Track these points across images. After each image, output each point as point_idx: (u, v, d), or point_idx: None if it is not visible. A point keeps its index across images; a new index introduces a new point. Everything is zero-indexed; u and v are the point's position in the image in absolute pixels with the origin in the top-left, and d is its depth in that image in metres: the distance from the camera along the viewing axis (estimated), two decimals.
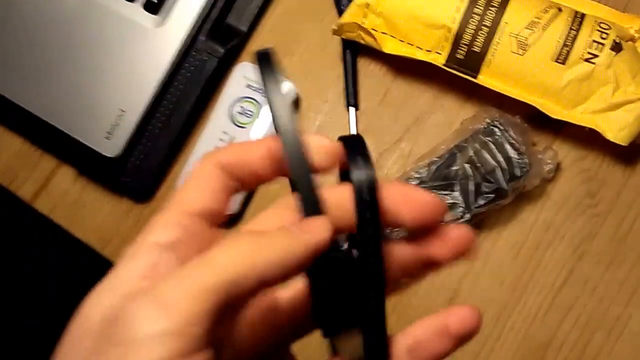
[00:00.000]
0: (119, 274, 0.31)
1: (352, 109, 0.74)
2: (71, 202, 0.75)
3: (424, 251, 0.34)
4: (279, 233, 0.31)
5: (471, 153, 0.66)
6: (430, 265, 0.34)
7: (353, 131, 0.73)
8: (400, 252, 0.34)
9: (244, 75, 0.73)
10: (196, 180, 0.34)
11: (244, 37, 0.76)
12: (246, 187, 0.35)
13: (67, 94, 0.71)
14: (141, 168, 0.72)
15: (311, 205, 0.32)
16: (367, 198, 0.31)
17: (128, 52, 0.71)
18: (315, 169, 0.32)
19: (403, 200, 0.33)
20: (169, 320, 0.27)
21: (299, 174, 0.32)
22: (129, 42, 0.71)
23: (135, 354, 0.27)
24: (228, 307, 0.29)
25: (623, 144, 0.66)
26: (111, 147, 0.69)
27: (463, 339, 0.33)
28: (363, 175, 0.31)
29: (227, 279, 0.28)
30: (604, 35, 0.65)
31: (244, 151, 0.34)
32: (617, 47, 0.65)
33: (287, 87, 0.72)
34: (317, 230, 0.31)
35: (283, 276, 0.30)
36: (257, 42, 0.76)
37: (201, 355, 0.28)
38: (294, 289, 0.37)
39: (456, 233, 0.34)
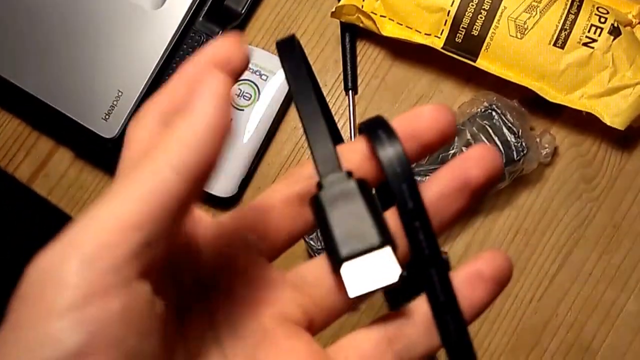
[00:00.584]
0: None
1: (350, 93, 0.74)
2: (69, 184, 0.75)
3: (458, 176, 0.31)
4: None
5: (469, 136, 0.67)
6: (467, 193, 0.31)
7: (352, 115, 0.73)
8: (436, 184, 0.31)
9: None
10: None
11: (243, 20, 0.75)
12: None
13: (65, 74, 0.70)
14: None
15: (328, 158, 0.31)
16: (399, 169, 0.29)
17: (126, 33, 0.71)
18: None
19: (414, 122, 0.31)
20: (74, 258, 0.24)
21: (314, 128, 0.31)
22: (127, 23, 0.71)
23: (43, 304, 0.24)
24: (154, 223, 0.25)
25: (620, 129, 0.66)
26: (109, 128, 0.69)
27: (498, 282, 0.31)
28: (390, 150, 0.29)
29: (139, 197, 0.26)
30: (603, 20, 0.65)
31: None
32: (615, 32, 0.65)
33: None
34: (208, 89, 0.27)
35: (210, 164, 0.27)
36: (256, 24, 0.76)
37: (126, 290, 0.25)
38: None
39: (479, 150, 0.31)
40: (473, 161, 0.31)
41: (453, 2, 0.67)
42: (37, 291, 0.24)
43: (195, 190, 0.27)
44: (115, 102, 0.69)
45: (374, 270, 0.29)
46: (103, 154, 0.73)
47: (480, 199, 0.32)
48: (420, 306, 0.31)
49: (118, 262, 0.24)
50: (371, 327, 0.31)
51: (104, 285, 0.24)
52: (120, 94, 0.69)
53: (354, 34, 0.74)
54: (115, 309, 0.24)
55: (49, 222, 1.06)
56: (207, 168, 0.27)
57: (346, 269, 0.29)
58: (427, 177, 0.65)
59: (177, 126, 0.27)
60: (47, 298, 0.24)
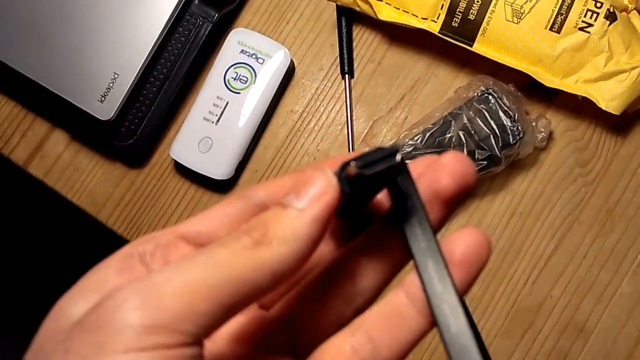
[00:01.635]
0: (92, 276, 0.29)
1: (347, 77, 0.74)
2: (65, 167, 0.75)
3: (427, 187, 0.31)
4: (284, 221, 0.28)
5: (465, 120, 0.67)
6: (439, 204, 0.31)
7: (348, 99, 0.73)
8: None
9: (238, 40, 0.73)
10: None
11: (239, 3, 0.75)
12: None
13: (61, 56, 0.70)
14: (135, 132, 0.72)
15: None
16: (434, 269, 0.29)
17: (122, 15, 0.71)
18: None
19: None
20: (159, 313, 0.25)
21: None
22: (123, 5, 0.71)
23: (112, 340, 0.25)
24: (231, 308, 0.27)
25: (615, 113, 0.66)
26: (105, 110, 0.69)
27: (472, 265, 0.29)
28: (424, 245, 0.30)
29: (232, 278, 0.26)
30: (599, 5, 0.65)
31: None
32: (611, 17, 0.65)
33: (282, 54, 0.72)
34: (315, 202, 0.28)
35: (294, 272, 0.28)
36: (252, 7, 0.76)
37: (188, 350, 0.26)
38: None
39: (448, 158, 0.30)
40: (443, 170, 0.30)
41: None
42: (111, 334, 0.25)
43: (277, 285, 0.28)
44: (111, 84, 0.69)
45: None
46: (99, 136, 0.73)
47: (456, 207, 0.31)
48: (386, 306, 0.30)
49: (196, 328, 0.26)
50: (340, 336, 0.30)
51: (177, 343, 0.25)
52: (116, 76, 0.69)
53: (350, 18, 0.75)
54: None
55: (45, 204, 1.07)
56: (284, 277, 0.28)
57: None
58: None
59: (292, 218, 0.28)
60: (118, 334, 0.25)
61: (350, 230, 0.34)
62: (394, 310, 0.30)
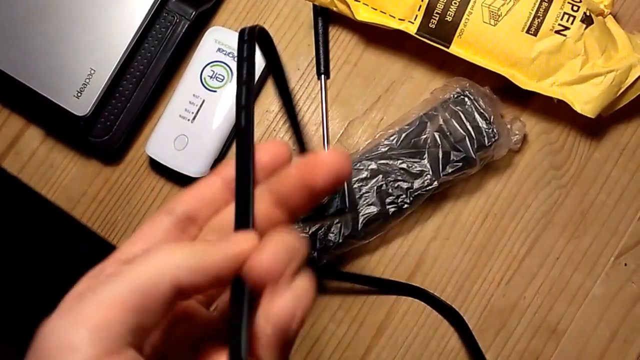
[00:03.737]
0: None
1: (322, 77, 0.74)
2: (39, 163, 0.75)
3: (302, 180, 0.35)
4: (196, 243, 0.35)
5: (441, 122, 0.67)
6: (309, 191, 0.35)
7: (323, 99, 0.73)
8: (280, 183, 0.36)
9: (215, 39, 0.73)
10: None
11: (216, 2, 0.75)
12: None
13: (37, 51, 0.70)
14: (110, 129, 0.71)
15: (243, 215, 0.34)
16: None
17: (100, 10, 0.70)
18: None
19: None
20: (83, 328, 0.30)
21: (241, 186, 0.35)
22: (100, 1, 0.70)
23: None
24: (146, 312, 0.31)
25: (590, 117, 0.66)
26: (81, 106, 0.69)
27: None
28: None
29: (136, 289, 0.31)
30: (575, 8, 0.66)
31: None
32: (587, 20, 0.66)
33: (259, 54, 0.72)
34: (239, 242, 0.33)
35: (199, 284, 0.32)
36: (229, 6, 0.76)
37: (121, 356, 0.30)
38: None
39: (327, 158, 0.34)
40: (319, 169, 0.34)
41: None
42: (54, 353, 0.30)
43: (193, 294, 0.33)
44: (87, 80, 0.69)
45: None
46: (74, 132, 0.72)
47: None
48: None
49: (117, 335, 0.30)
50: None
51: (106, 351, 0.30)
52: (92, 71, 0.69)
53: (326, 19, 0.75)
54: None
55: (19, 200, 1.06)
56: (201, 289, 0.33)
57: None
58: (400, 161, 0.66)
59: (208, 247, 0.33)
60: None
61: None
62: None
